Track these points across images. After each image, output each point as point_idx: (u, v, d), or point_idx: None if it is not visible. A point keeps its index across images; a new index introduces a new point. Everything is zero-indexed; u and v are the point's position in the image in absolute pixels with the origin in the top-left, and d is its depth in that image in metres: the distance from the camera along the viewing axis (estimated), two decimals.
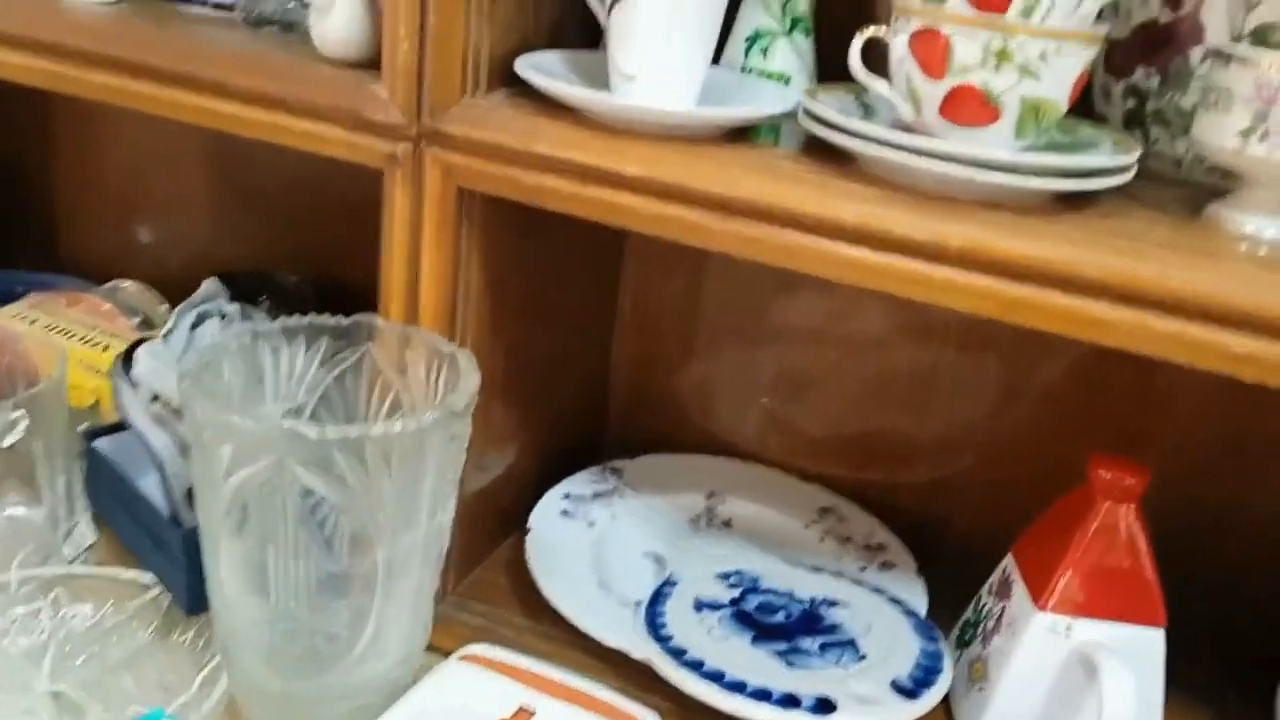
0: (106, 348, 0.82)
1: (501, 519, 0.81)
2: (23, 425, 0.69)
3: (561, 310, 0.84)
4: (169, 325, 0.70)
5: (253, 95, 0.66)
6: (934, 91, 0.53)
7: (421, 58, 0.61)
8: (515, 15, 0.65)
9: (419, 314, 0.67)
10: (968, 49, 0.51)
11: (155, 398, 0.68)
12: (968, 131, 0.54)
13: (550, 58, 0.66)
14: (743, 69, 0.68)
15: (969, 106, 0.52)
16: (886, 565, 0.79)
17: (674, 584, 0.72)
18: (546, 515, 0.80)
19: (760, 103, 0.62)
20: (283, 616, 0.57)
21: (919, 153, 0.53)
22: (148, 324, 0.88)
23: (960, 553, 0.79)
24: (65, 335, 0.84)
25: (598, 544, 0.79)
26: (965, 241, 0.52)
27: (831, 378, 0.88)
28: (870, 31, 0.55)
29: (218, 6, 0.79)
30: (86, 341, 0.83)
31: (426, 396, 0.65)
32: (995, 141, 0.54)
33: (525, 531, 0.78)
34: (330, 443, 0.53)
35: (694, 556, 0.78)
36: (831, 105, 0.58)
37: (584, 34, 0.71)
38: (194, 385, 0.55)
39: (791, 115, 0.61)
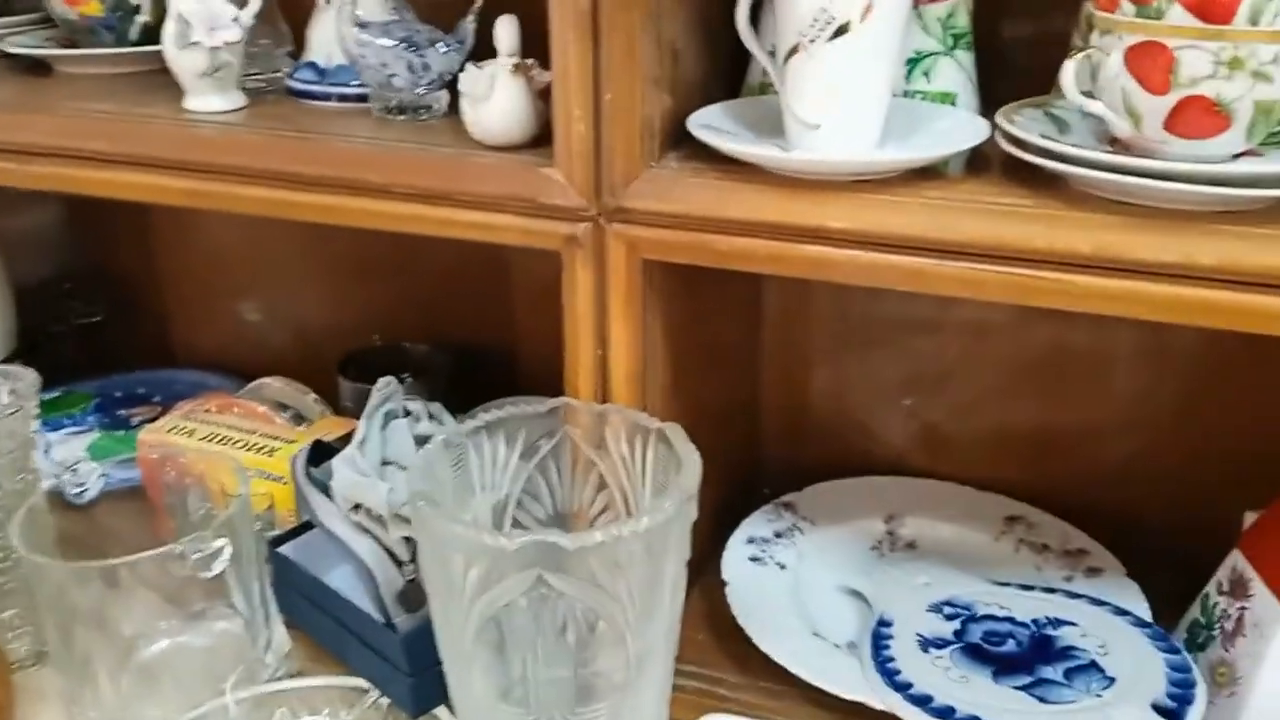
0: (272, 451, 0.82)
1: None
2: (228, 553, 0.68)
3: (723, 355, 0.83)
4: (361, 434, 0.69)
5: (419, 193, 0.65)
6: (1157, 106, 0.51)
7: (598, 135, 0.60)
8: (676, 76, 0.63)
9: (609, 389, 0.66)
10: (1196, 61, 0.49)
11: (356, 507, 0.67)
12: (1194, 143, 0.52)
13: (713, 114, 0.64)
14: (905, 93, 0.66)
15: (1199, 118, 0.51)
16: (1093, 571, 0.77)
17: (888, 623, 0.71)
18: (737, 564, 0.79)
19: (951, 136, 0.60)
20: None
21: (1166, 178, 0.51)
22: (299, 418, 0.88)
23: (1155, 550, 0.77)
24: (228, 443, 0.83)
25: (794, 587, 0.78)
26: (1218, 259, 0.50)
27: (992, 376, 0.86)
28: (1084, 52, 0.54)
29: (342, 99, 0.78)
30: (251, 448, 0.83)
31: (632, 474, 0.65)
32: (1224, 148, 0.52)
33: (710, 582, 0.77)
34: (587, 550, 0.52)
35: (893, 589, 0.76)
36: (1032, 127, 0.57)
37: (723, 84, 0.70)
38: (430, 507, 0.54)
39: None
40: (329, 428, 0.86)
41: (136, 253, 1.14)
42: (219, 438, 0.84)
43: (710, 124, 0.62)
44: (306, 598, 0.76)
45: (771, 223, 0.58)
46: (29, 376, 0.76)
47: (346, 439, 0.84)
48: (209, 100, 0.74)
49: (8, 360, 1.04)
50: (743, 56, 0.71)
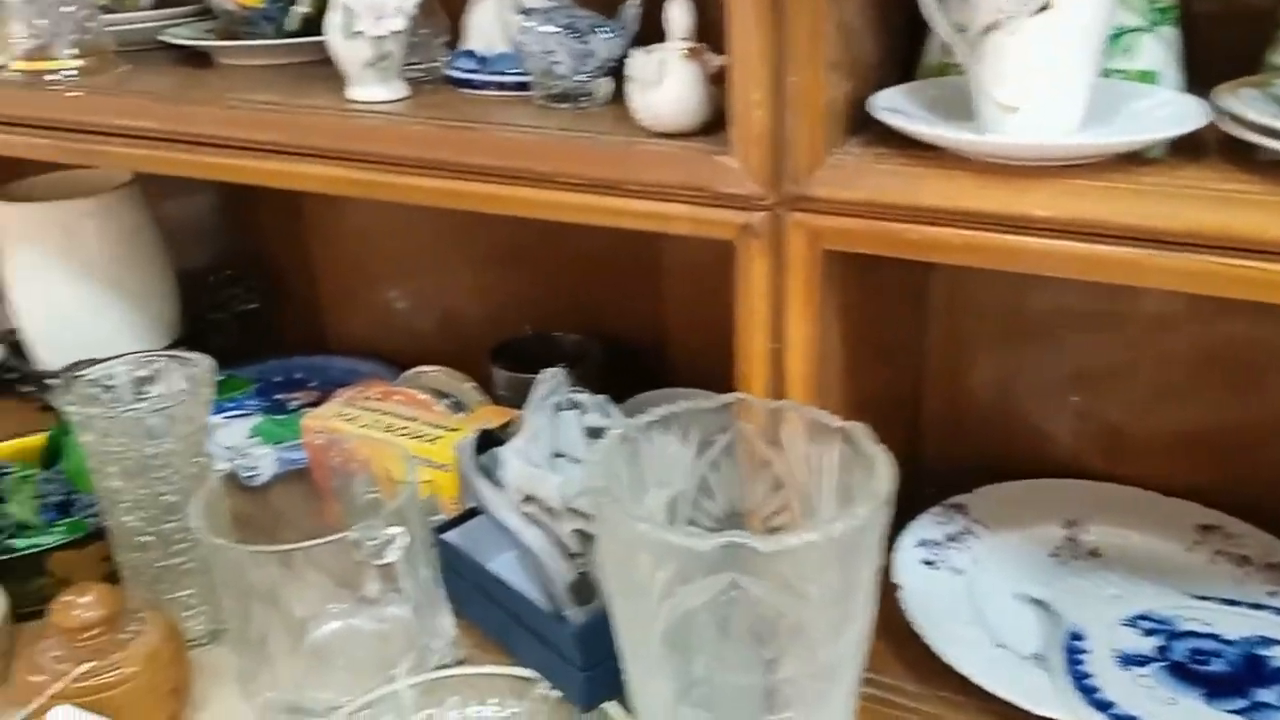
0: (435, 439, 0.82)
1: None
2: (401, 541, 0.68)
3: (888, 348, 0.80)
4: (531, 426, 0.68)
5: (586, 182, 0.64)
6: None
7: (778, 120, 0.57)
8: (854, 58, 0.60)
9: (785, 385, 0.64)
10: None
11: (528, 498, 0.67)
12: None
13: (894, 97, 0.61)
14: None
15: None
16: None
17: (1081, 637, 0.66)
18: (910, 568, 0.75)
19: (1160, 117, 0.55)
20: None
21: None
22: (458, 406, 0.88)
23: None
24: (392, 430, 0.84)
25: (970, 594, 0.74)
26: None
27: (1175, 372, 0.80)
28: None
29: (500, 87, 0.77)
30: (414, 435, 0.83)
31: (811, 475, 0.62)
32: None
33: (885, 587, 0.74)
34: (783, 554, 0.50)
35: (1079, 600, 0.72)
36: (1263, 109, 0.52)
37: (896, 66, 0.66)
38: (615, 504, 0.53)
39: None
40: (489, 416, 0.86)
41: (291, 242, 1.16)
42: (382, 424, 0.85)
43: (893, 107, 0.59)
44: (472, 585, 0.76)
45: (968, 210, 0.54)
46: (205, 362, 0.78)
47: (508, 428, 0.84)
48: (372, 90, 0.74)
49: (171, 346, 1.08)
50: (915, 36, 0.67)
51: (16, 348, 1.10)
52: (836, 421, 0.60)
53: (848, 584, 0.53)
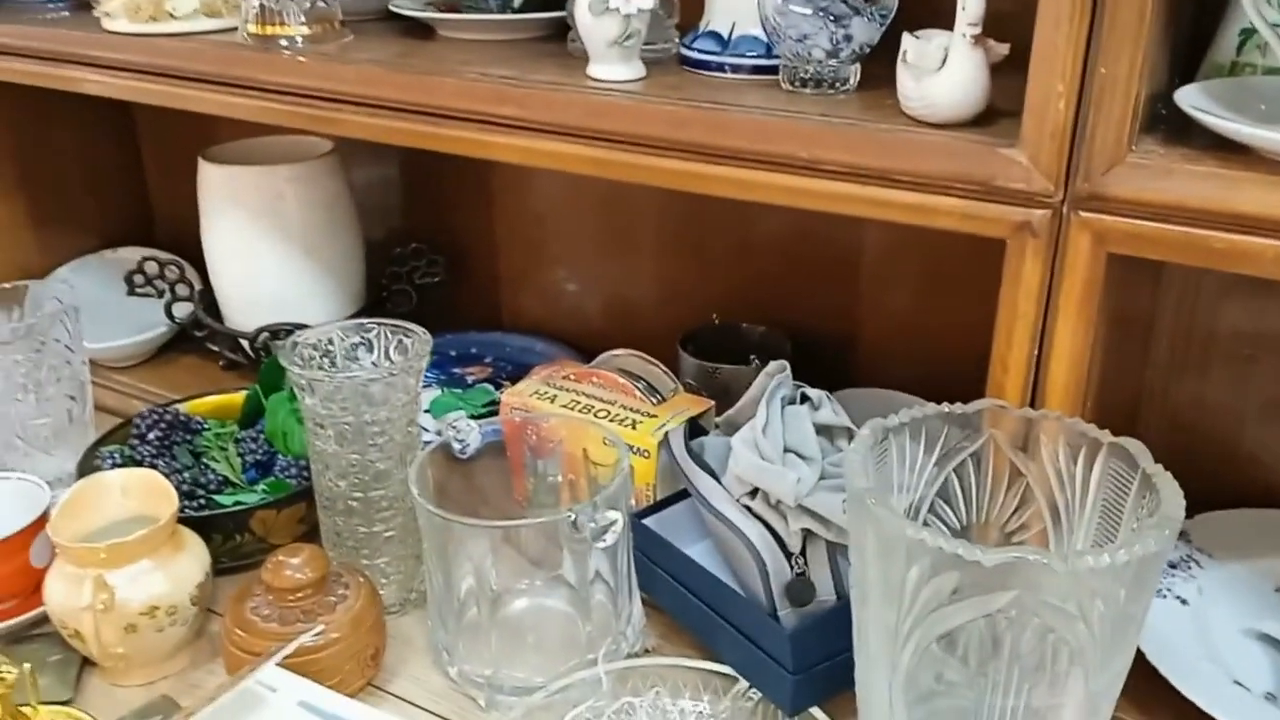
0: (635, 424, 0.81)
1: None
2: (620, 526, 0.67)
3: (1119, 360, 0.76)
4: (762, 419, 0.66)
5: (850, 170, 0.62)
6: None
7: (1079, 113, 0.54)
8: (1159, 52, 0.56)
9: (1044, 393, 0.60)
10: None
11: (754, 492, 0.65)
12: None
13: (1196, 95, 0.57)
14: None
15: None
16: None
17: None
18: None
19: None
20: None
21: None
22: (651, 390, 0.87)
23: None
24: (588, 411, 0.83)
25: (1197, 626, 0.70)
26: None
27: None
28: None
29: (736, 70, 0.75)
30: (612, 418, 0.82)
31: (1068, 490, 0.59)
32: None
33: None
34: (1076, 573, 0.47)
35: None
36: None
37: (1178, 65, 0.62)
38: (886, 509, 0.51)
39: None
40: (686, 404, 0.84)
41: (475, 219, 1.16)
42: (580, 405, 0.84)
43: (1197, 105, 0.55)
44: (668, 574, 0.74)
45: None
46: (421, 334, 0.78)
47: (705, 417, 0.82)
48: (614, 69, 0.73)
49: (356, 315, 1.09)
50: (1200, 36, 0.63)
51: (207, 308, 1.13)
52: (1106, 436, 0.57)
53: (1128, 612, 0.50)
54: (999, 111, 0.61)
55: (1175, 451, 0.83)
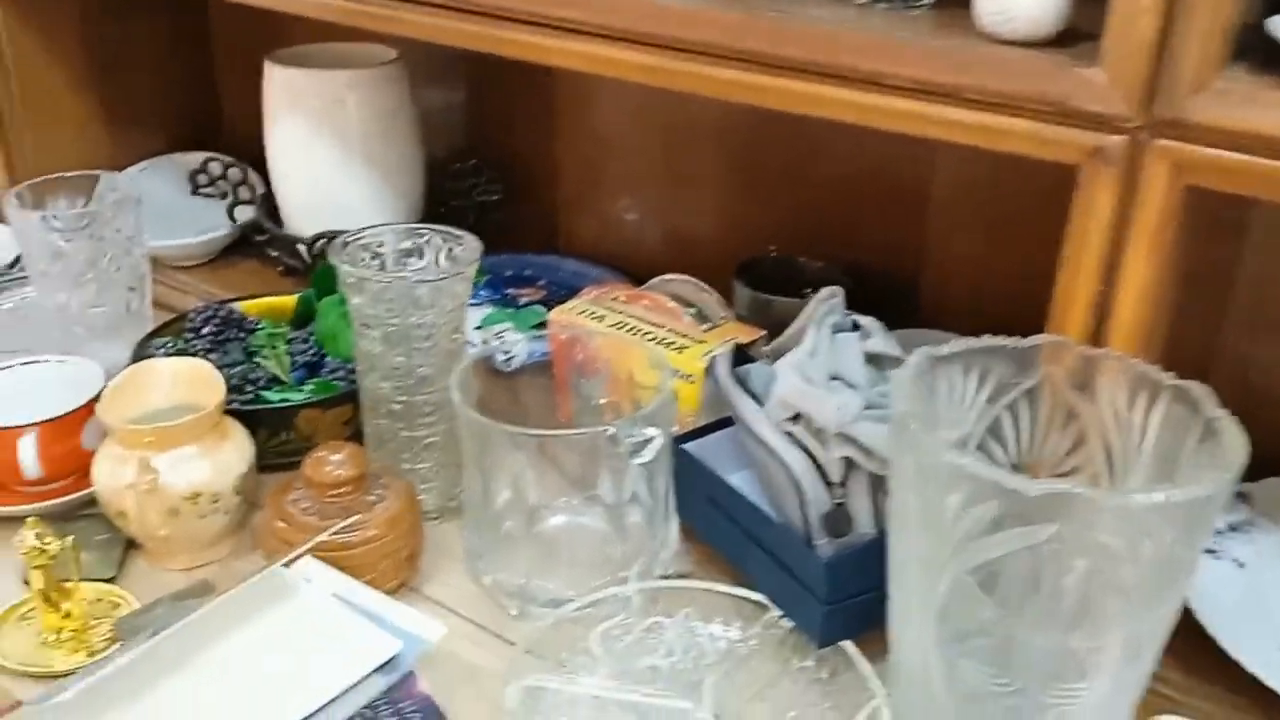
0: (682, 348, 0.80)
1: None
2: (659, 443, 0.66)
3: (1190, 313, 0.72)
4: (810, 344, 0.64)
5: (915, 86, 0.59)
6: None
7: (1167, 30, 0.51)
8: None
9: (1108, 333, 0.58)
10: None
11: (796, 417, 0.63)
12: None
13: None
14: None
15: None
16: None
17: None
18: None
19: None
20: (1011, 693, 0.51)
21: None
22: (702, 317, 0.85)
23: None
24: (637, 334, 0.82)
25: (1254, 588, 0.68)
26: None
27: None
28: None
29: None
30: (660, 341, 0.81)
31: (1126, 432, 0.56)
32: None
33: None
34: (1125, 510, 0.45)
35: None
36: None
37: None
38: (928, 434, 0.49)
39: None
40: (736, 332, 0.83)
41: (536, 138, 1.15)
42: (628, 327, 0.83)
43: None
44: (706, 499, 0.73)
45: None
46: (470, 241, 0.78)
47: (755, 346, 0.81)
48: None
49: None
50: None
51: (269, 213, 1.13)
52: (1168, 378, 0.54)
53: (1178, 556, 0.48)
54: (1080, 34, 0.58)
55: (1245, 415, 0.80)
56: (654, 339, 0.82)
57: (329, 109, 1.03)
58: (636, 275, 1.09)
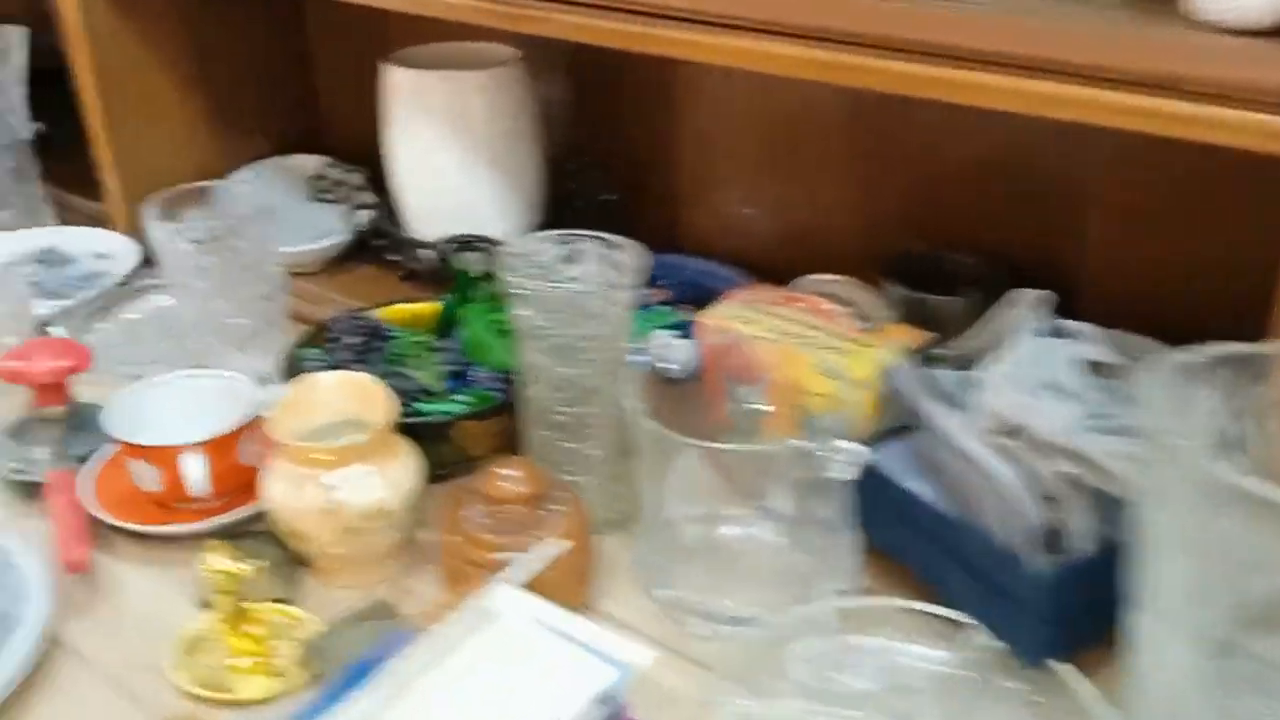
0: (847, 353, 0.78)
1: None
2: (859, 456, 0.64)
3: None
4: (1017, 351, 0.62)
5: (1131, 79, 0.56)
6: None
7: None
8: None
9: None
10: None
11: (1009, 430, 0.61)
12: None
13: None
14: None
15: None
16: None
17: None
18: None
19: None
20: None
21: None
22: (863, 317, 0.83)
23: None
24: (798, 339, 0.80)
25: None
26: None
27: None
28: None
29: None
30: (821, 346, 0.78)
31: None
32: None
33: None
34: None
35: None
36: None
37: None
38: (1197, 452, 0.47)
39: None
40: (900, 334, 0.80)
41: (653, 132, 1.13)
42: (785, 331, 0.81)
43: None
44: (895, 513, 0.71)
45: None
46: (632, 248, 0.76)
47: (929, 348, 0.78)
48: None
49: (535, 228, 1.07)
50: None
51: (384, 216, 1.12)
52: None
53: None
54: None
55: None
56: (817, 344, 0.79)
57: (454, 111, 1.01)
58: (759, 272, 1.07)
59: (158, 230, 0.90)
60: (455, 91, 1.01)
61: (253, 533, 0.77)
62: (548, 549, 0.63)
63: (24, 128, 1.26)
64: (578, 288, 0.72)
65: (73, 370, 0.86)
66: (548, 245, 0.77)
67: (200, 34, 1.22)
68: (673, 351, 0.75)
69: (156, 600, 0.74)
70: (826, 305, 0.83)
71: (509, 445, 0.83)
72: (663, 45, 0.73)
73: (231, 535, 0.77)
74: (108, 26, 1.15)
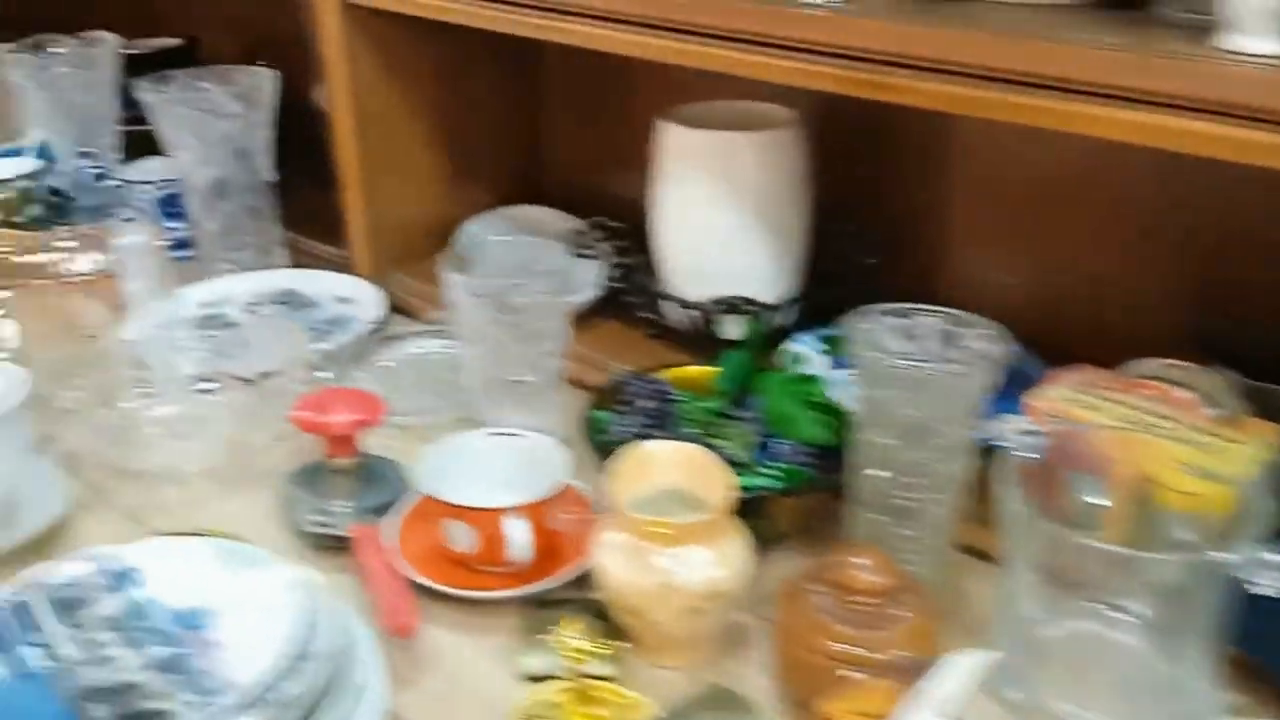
0: (1208, 448, 0.72)
1: None
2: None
3: None
4: None
5: None
6: None
7: None
8: None
9: None
10: None
11: None
12: None
13: None
14: None
15: None
16: None
17: None
18: None
19: None
20: None
21: None
22: (1214, 407, 0.77)
23: None
24: (1149, 429, 0.74)
25: None
26: None
27: None
28: None
29: None
30: (1177, 439, 0.73)
31: None
32: None
33: None
34: None
35: None
36: None
37: None
38: None
39: None
40: (1263, 429, 0.74)
41: (916, 193, 1.09)
42: (1130, 419, 0.76)
43: None
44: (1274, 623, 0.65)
45: None
46: (979, 324, 0.72)
47: None
48: (1262, 42, 0.64)
49: (794, 295, 1.04)
50: None
51: (641, 272, 1.10)
52: None
53: None
54: None
55: None
56: (1172, 435, 0.74)
57: (732, 171, 0.99)
58: (1036, 345, 1.02)
59: (453, 281, 0.89)
60: (734, 151, 0.99)
61: (566, 601, 0.74)
62: (964, 662, 0.58)
63: (268, 170, 1.28)
64: (946, 368, 0.69)
65: (367, 424, 0.85)
66: (881, 319, 0.74)
67: (451, 88, 1.24)
68: (1015, 435, 0.70)
69: (476, 668, 0.71)
70: (1178, 393, 0.78)
71: (818, 524, 0.79)
72: (1064, 120, 0.69)
73: (542, 604, 0.75)
74: (372, 80, 1.17)
